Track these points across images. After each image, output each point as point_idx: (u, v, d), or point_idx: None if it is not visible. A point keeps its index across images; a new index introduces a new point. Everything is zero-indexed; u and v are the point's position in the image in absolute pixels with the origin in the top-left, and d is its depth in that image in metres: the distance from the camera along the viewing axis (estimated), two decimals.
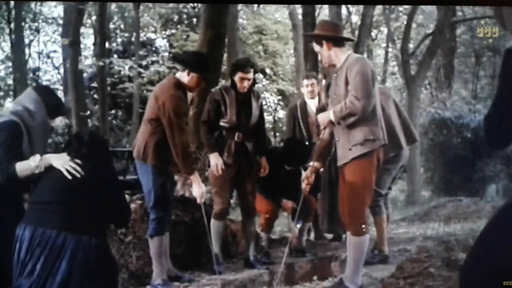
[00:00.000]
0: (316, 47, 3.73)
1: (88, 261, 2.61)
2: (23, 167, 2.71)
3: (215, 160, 4.24)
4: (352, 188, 3.57)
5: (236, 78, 4.24)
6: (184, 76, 3.89)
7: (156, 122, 3.82)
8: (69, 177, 2.68)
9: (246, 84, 4.24)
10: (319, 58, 3.84)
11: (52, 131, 3.19)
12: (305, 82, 5.42)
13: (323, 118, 3.73)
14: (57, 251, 2.57)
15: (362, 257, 3.68)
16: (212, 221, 4.31)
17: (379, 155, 3.63)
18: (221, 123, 4.30)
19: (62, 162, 2.71)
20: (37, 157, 2.72)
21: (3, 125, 2.83)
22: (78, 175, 2.69)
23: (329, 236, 5.77)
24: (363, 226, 3.60)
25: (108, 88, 13.98)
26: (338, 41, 3.69)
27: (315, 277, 4.37)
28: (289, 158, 4.60)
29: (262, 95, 4.58)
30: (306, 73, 6.05)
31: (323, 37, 3.67)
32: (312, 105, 5.46)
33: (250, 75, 4.24)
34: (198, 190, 3.86)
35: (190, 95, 4.00)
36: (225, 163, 4.25)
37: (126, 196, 4.46)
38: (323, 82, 5.43)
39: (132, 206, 4.31)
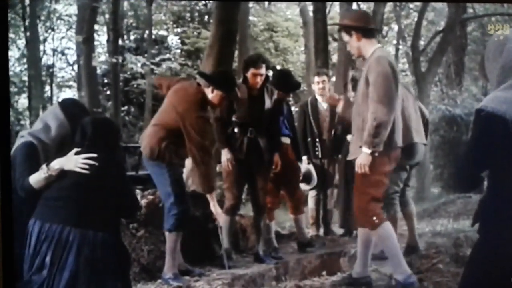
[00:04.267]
0: (345, 37, 3.65)
1: (95, 256, 2.64)
2: (35, 179, 2.77)
3: (226, 156, 4.29)
4: (361, 182, 3.57)
5: (249, 74, 4.29)
6: (208, 93, 3.93)
7: (173, 127, 3.86)
8: (85, 172, 2.72)
9: (259, 79, 4.29)
10: (348, 48, 3.72)
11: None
12: (316, 79, 5.46)
13: (360, 161, 3.53)
14: (63, 246, 2.62)
15: (368, 249, 3.72)
16: (223, 216, 4.36)
17: (392, 155, 3.58)
18: (234, 119, 4.35)
19: (73, 163, 2.74)
20: (44, 168, 2.75)
21: (19, 147, 2.92)
22: (93, 166, 2.72)
23: (340, 231, 5.82)
24: (374, 218, 3.56)
25: (121, 84, 14.06)
26: (367, 32, 3.60)
27: (324, 272, 4.42)
28: (280, 85, 4.59)
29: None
30: (317, 70, 6.09)
31: (352, 28, 3.59)
32: (324, 103, 5.49)
33: (262, 71, 4.29)
34: (214, 210, 3.97)
35: None
36: (237, 159, 4.30)
37: (138, 191, 4.56)
38: (350, 74, 5.41)
39: (144, 201, 4.38)
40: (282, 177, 4.76)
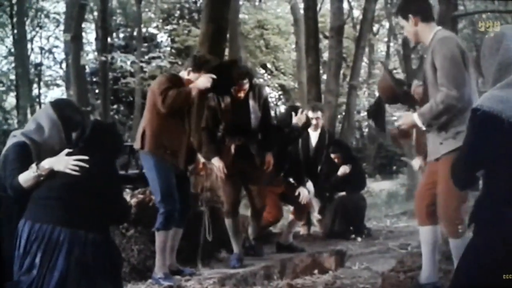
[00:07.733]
0: (402, 22, 3.41)
1: (85, 256, 2.59)
2: (25, 178, 2.73)
3: (217, 163, 4.25)
4: (445, 186, 3.17)
5: (232, 89, 4.19)
6: (184, 74, 3.96)
7: (152, 107, 3.87)
8: (76, 173, 2.68)
9: (242, 94, 4.21)
10: (404, 33, 3.55)
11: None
12: (311, 115, 5.28)
13: (406, 120, 3.30)
14: (53, 246, 2.56)
15: (435, 250, 3.41)
16: (225, 220, 4.38)
17: None
18: (221, 128, 4.31)
19: (63, 164, 2.71)
20: (34, 167, 2.73)
21: (11, 147, 2.88)
22: (83, 168, 2.68)
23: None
24: (460, 227, 3.23)
25: (110, 83, 13.99)
26: (426, 16, 3.32)
27: (315, 271, 4.40)
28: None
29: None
30: (312, 105, 5.87)
31: (410, 11, 3.32)
32: (314, 137, 5.48)
33: (246, 86, 4.19)
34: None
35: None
36: (227, 167, 4.26)
37: (128, 191, 4.51)
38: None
39: (134, 200, 4.33)
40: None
